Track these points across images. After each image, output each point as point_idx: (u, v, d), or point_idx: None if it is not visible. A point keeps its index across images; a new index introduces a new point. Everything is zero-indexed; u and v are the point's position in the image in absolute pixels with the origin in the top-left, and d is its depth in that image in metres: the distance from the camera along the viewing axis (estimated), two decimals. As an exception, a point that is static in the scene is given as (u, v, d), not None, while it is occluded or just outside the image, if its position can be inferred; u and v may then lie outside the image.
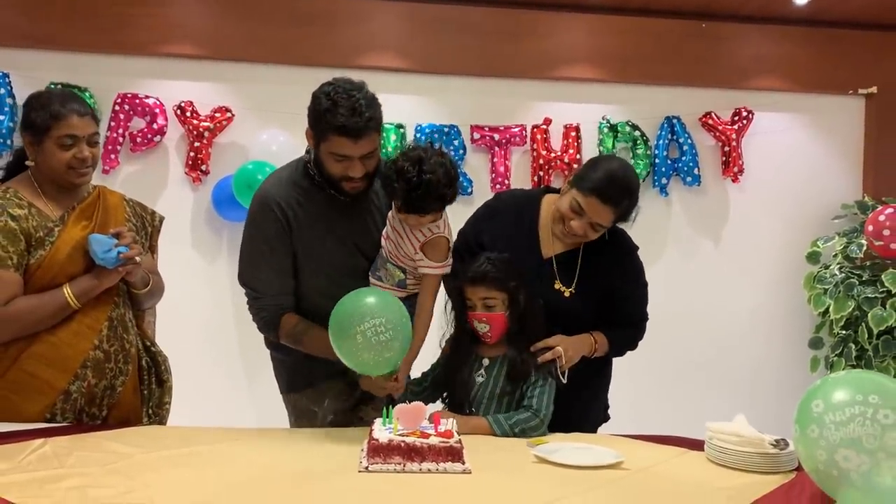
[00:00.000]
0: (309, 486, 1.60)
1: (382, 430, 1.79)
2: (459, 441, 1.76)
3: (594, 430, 2.36)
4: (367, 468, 1.71)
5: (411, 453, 1.72)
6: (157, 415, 2.28)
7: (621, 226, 2.27)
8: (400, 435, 1.76)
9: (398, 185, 2.04)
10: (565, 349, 2.16)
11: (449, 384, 2.23)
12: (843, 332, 4.03)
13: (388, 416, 1.85)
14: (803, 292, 4.27)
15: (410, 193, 2.04)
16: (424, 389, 2.25)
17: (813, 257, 4.30)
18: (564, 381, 2.16)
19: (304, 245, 2.24)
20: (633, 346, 2.38)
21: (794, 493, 1.63)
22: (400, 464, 1.71)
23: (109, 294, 2.17)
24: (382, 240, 2.25)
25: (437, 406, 2.25)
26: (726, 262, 4.46)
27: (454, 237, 2.27)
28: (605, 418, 2.46)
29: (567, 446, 1.92)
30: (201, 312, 4.04)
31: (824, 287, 4.12)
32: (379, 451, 1.72)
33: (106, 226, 2.18)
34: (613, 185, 2.13)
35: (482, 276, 2.14)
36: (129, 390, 2.20)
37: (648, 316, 2.38)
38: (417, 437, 1.75)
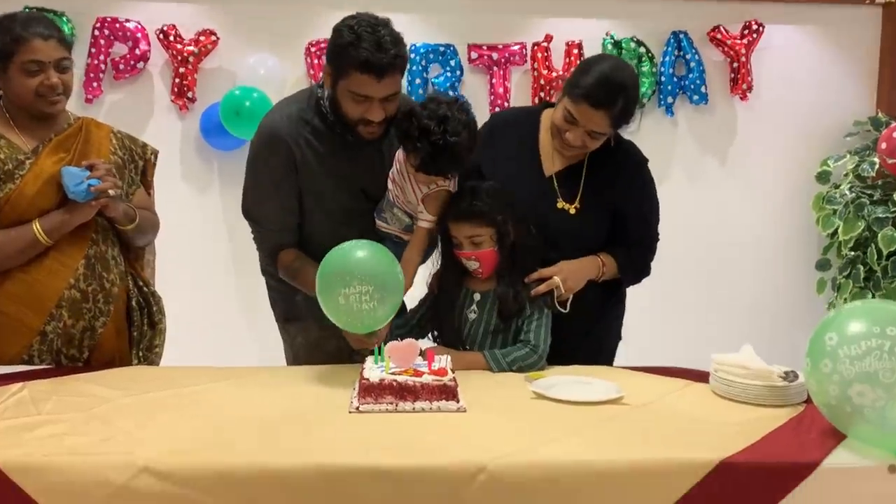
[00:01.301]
0: (296, 428, 1.54)
1: (374, 369, 1.72)
2: (454, 379, 1.69)
3: (610, 363, 2.28)
4: (357, 408, 1.64)
5: (403, 392, 1.65)
6: (147, 358, 2.21)
7: (625, 132, 2.13)
8: (392, 374, 1.69)
9: (420, 146, 1.92)
10: (565, 277, 2.07)
11: (439, 322, 2.15)
12: (852, 253, 3.93)
13: (380, 355, 1.78)
14: (811, 213, 4.15)
15: (433, 157, 1.92)
16: (412, 329, 2.16)
17: (823, 177, 4.16)
18: (566, 310, 2.07)
19: (310, 187, 2.14)
20: (646, 270, 2.26)
21: (804, 427, 1.57)
22: (392, 403, 1.65)
23: (86, 230, 2.07)
24: (389, 182, 2.14)
25: (430, 344, 2.17)
26: (733, 183, 4.32)
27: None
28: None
29: (566, 380, 1.85)
30: (194, 246, 3.94)
31: (833, 208, 4.00)
32: (370, 391, 1.65)
33: (85, 159, 2.07)
34: (604, 87, 1.96)
35: (466, 213, 2.02)
36: (112, 332, 2.12)
37: (659, 236, 2.27)
38: (410, 375, 1.68)
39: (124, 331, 2.18)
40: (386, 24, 1.96)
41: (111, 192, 2.01)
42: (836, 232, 3.98)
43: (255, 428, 1.53)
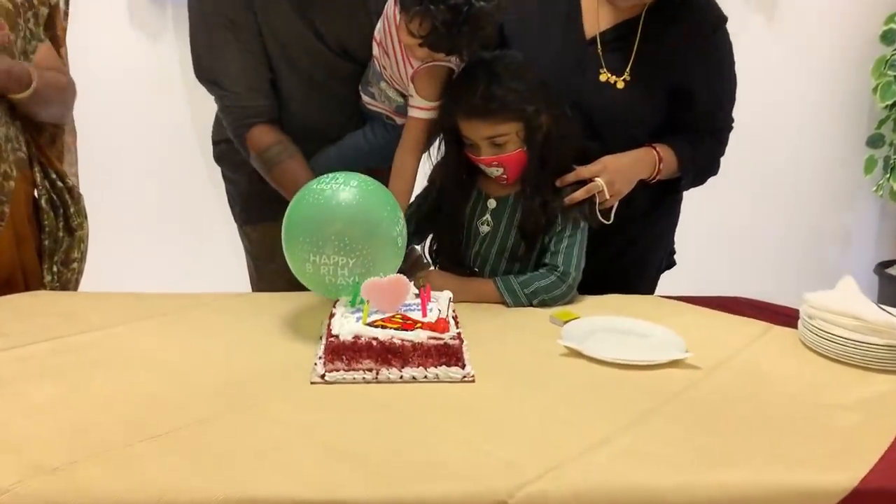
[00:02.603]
0: (227, 417, 1.05)
1: (346, 319, 1.23)
2: (458, 335, 1.21)
3: (655, 282, 1.82)
4: (322, 377, 1.17)
5: (388, 355, 1.17)
6: (62, 276, 1.72)
7: None
8: (371, 324, 1.20)
9: (432, 8, 1.34)
10: (611, 179, 1.55)
11: (439, 233, 1.64)
12: (913, 129, 3.40)
13: (356, 294, 1.28)
14: (870, 80, 3.57)
15: (449, 27, 1.36)
16: (418, 224, 1.66)
17: (888, 37, 3.53)
18: (610, 220, 1.58)
19: (272, 32, 1.60)
20: (713, 167, 1.77)
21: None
22: (371, 370, 1.18)
23: None
24: (374, 45, 1.59)
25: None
26: (779, 42, 3.68)
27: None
28: (670, 264, 1.91)
29: (606, 324, 1.39)
30: (145, 112, 3.33)
31: (896, 74, 3.42)
32: (340, 353, 1.17)
33: None
34: None
35: (483, 108, 1.47)
36: (9, 240, 1.62)
37: (733, 123, 1.74)
38: (397, 327, 1.20)
39: (29, 238, 1.68)
40: None
41: None
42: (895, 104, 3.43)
43: (166, 413, 1.05)
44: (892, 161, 3.49)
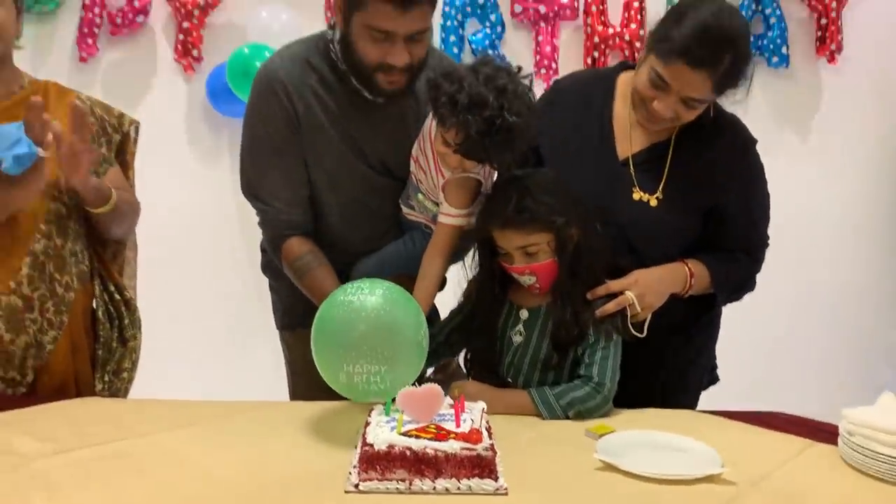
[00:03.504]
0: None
1: (381, 428, 1.26)
2: (491, 447, 1.22)
3: (696, 400, 1.82)
4: (356, 486, 1.19)
5: (421, 465, 1.19)
6: (113, 385, 1.78)
7: (730, 101, 1.63)
8: (405, 434, 1.23)
9: (470, 118, 1.45)
10: (641, 293, 1.59)
11: (475, 344, 1.68)
12: (956, 243, 3.38)
13: (392, 403, 1.32)
14: (905, 195, 3.59)
15: (483, 136, 1.46)
16: (438, 347, 1.69)
17: (924, 154, 3.58)
18: (643, 334, 1.60)
19: (315, 152, 1.72)
20: (749, 284, 1.79)
21: None
22: (405, 480, 1.19)
23: (32, 220, 1.65)
24: (412, 161, 1.70)
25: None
26: (815, 161, 3.74)
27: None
28: (713, 380, 1.91)
29: (642, 438, 1.38)
30: (200, 230, 3.50)
31: (935, 189, 3.43)
32: (374, 462, 1.19)
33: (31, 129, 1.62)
34: (706, 39, 1.48)
35: (516, 219, 1.54)
36: (65, 349, 1.70)
37: (768, 240, 1.77)
38: (431, 437, 1.22)
39: (84, 348, 1.76)
40: None
41: (41, 152, 1.53)
42: (937, 218, 3.42)
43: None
44: (938, 276, 3.45)
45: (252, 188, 1.78)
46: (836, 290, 3.80)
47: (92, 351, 1.78)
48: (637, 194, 1.65)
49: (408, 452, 1.19)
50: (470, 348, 1.71)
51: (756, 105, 3.69)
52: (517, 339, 1.63)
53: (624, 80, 1.71)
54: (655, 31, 1.57)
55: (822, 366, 3.63)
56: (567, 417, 1.51)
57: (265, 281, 2.02)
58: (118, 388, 1.79)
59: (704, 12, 1.50)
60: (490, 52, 3.45)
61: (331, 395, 1.45)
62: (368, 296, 1.37)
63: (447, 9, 3.47)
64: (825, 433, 1.44)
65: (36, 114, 1.52)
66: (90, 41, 3.41)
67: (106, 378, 1.77)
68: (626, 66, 1.77)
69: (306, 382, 1.81)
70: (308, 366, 1.78)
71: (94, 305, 1.79)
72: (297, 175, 1.74)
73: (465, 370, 1.73)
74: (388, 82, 1.62)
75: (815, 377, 3.58)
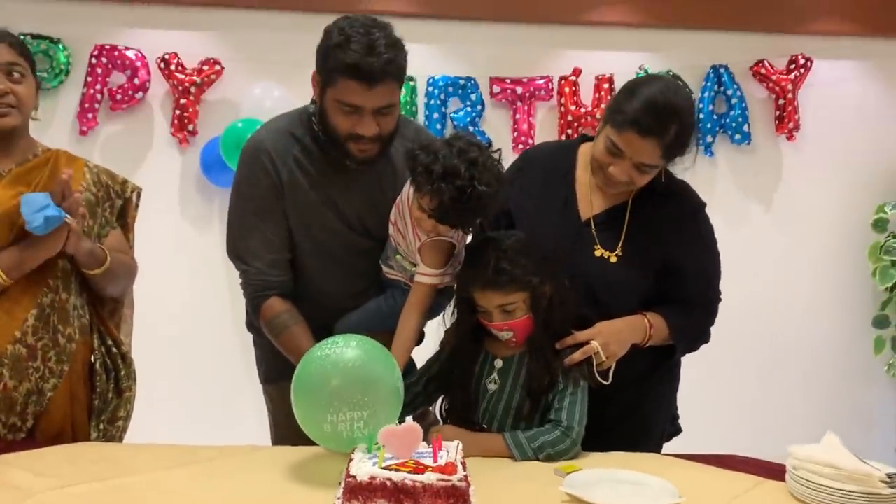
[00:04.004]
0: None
1: (363, 462, 1.36)
2: (465, 478, 1.33)
3: (659, 447, 1.93)
4: (340, 515, 1.29)
5: (400, 495, 1.29)
6: (108, 433, 1.87)
7: (679, 169, 1.82)
8: (386, 468, 1.33)
9: (443, 187, 1.60)
10: (605, 342, 1.72)
11: (450, 391, 1.80)
12: (915, 310, 3.55)
13: (373, 442, 1.42)
14: (867, 264, 3.77)
15: (455, 202, 1.61)
16: (416, 396, 1.81)
17: (879, 225, 3.78)
18: (607, 381, 1.72)
19: (298, 215, 1.85)
20: (703, 336, 1.92)
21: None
22: (385, 510, 1.29)
23: (43, 274, 1.77)
24: (390, 225, 1.84)
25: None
26: (779, 230, 3.96)
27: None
28: (675, 431, 2.02)
29: (607, 476, 1.49)
30: (191, 291, 3.63)
31: (892, 259, 3.63)
32: (357, 492, 1.29)
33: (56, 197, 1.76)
34: (654, 111, 1.66)
35: (495, 281, 1.68)
36: (64, 397, 1.79)
37: (721, 295, 1.92)
38: (410, 471, 1.32)
39: (82, 397, 1.85)
40: (384, 27, 1.70)
41: (69, 220, 1.69)
42: (895, 286, 3.60)
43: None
44: (899, 341, 3.60)
45: (235, 249, 1.90)
46: (806, 356, 3.95)
47: (89, 401, 1.86)
48: (598, 251, 1.80)
49: (388, 483, 1.29)
50: (447, 396, 1.81)
51: (722, 178, 3.94)
52: (492, 386, 1.75)
53: (584, 150, 1.89)
54: (611, 105, 1.76)
55: (792, 429, 3.73)
56: (538, 459, 1.62)
57: (250, 337, 2.13)
58: (112, 436, 1.87)
59: (653, 88, 1.69)
60: (471, 128, 3.67)
61: (313, 445, 1.56)
62: (344, 349, 1.50)
63: (430, 88, 3.71)
64: (777, 472, 1.55)
65: (65, 185, 1.70)
66: (90, 115, 3.60)
67: (101, 427, 1.85)
68: (585, 138, 1.94)
69: (289, 434, 1.90)
70: (290, 418, 1.89)
71: (93, 358, 1.89)
72: (278, 239, 1.85)
73: (441, 419, 1.83)
74: (359, 150, 1.76)
75: (784, 439, 3.67)
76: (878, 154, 3.94)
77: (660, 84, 1.72)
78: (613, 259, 1.79)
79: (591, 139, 1.88)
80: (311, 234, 1.87)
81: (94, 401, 1.87)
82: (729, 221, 3.90)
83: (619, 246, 1.80)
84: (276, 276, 1.86)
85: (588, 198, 1.85)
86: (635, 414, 1.85)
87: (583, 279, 1.77)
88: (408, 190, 1.75)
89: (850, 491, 1.34)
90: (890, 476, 1.35)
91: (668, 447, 1.99)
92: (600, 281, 1.78)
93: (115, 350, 1.92)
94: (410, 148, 1.71)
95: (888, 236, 3.73)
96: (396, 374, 1.54)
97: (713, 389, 3.69)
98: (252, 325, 2.05)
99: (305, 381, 1.51)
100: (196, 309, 3.62)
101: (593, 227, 1.82)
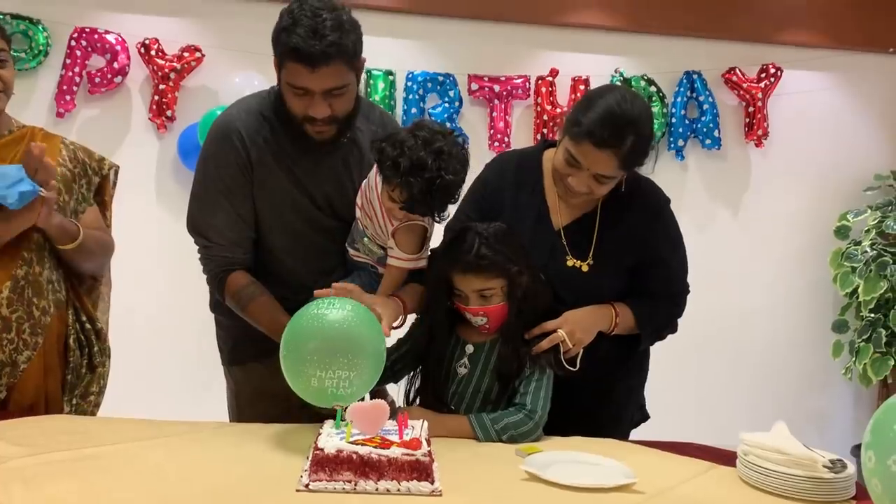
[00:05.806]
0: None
1: (331, 437, 1.41)
2: (429, 453, 1.38)
3: (627, 435, 1.98)
4: (307, 486, 1.33)
5: (365, 468, 1.34)
6: (80, 407, 1.90)
7: (641, 172, 1.85)
8: (353, 443, 1.38)
9: (412, 181, 1.62)
10: (572, 330, 1.77)
11: (421, 373, 1.84)
12: (872, 315, 3.66)
13: (340, 418, 1.47)
14: (829, 270, 3.89)
15: (425, 194, 1.64)
16: (385, 373, 1.80)
17: (841, 232, 3.90)
18: (575, 368, 1.78)
19: (266, 194, 1.87)
20: (671, 326, 1.97)
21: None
22: (350, 482, 1.33)
23: (17, 247, 1.78)
24: (357, 209, 1.86)
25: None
26: (745, 234, 4.06)
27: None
28: (643, 418, 2.07)
29: (566, 457, 1.55)
30: (165, 275, 3.64)
31: (853, 265, 3.73)
32: (324, 465, 1.34)
33: (28, 171, 1.77)
34: (610, 123, 1.68)
35: (475, 265, 1.72)
36: (38, 369, 1.81)
37: (689, 287, 1.98)
38: (375, 445, 1.37)
39: (56, 370, 1.87)
40: (334, 8, 1.69)
41: (43, 193, 1.71)
42: (855, 291, 3.71)
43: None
44: (856, 345, 3.71)
45: (198, 226, 1.90)
46: (768, 357, 4.05)
47: (63, 374, 1.89)
48: (570, 261, 1.84)
49: (354, 456, 1.34)
50: (420, 376, 1.86)
51: (692, 182, 4.03)
52: (462, 370, 1.79)
53: (548, 157, 1.91)
54: (569, 117, 1.77)
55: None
56: (501, 441, 1.67)
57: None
58: (84, 411, 1.90)
59: (609, 99, 1.71)
60: (448, 124, 3.71)
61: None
62: (339, 310, 1.54)
63: (409, 83, 3.75)
64: (729, 458, 1.62)
65: (37, 159, 1.71)
66: (68, 98, 3.59)
67: (74, 401, 1.88)
68: (547, 144, 1.97)
69: (252, 414, 1.93)
70: (254, 398, 1.95)
71: (67, 333, 1.91)
72: (243, 217, 1.87)
73: (406, 399, 1.87)
74: (315, 132, 1.78)
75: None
76: (842, 163, 4.06)
77: (616, 95, 1.73)
78: (585, 268, 1.83)
79: (553, 144, 1.90)
80: (278, 213, 1.89)
81: (66, 375, 1.89)
82: (697, 224, 4.00)
83: (591, 255, 1.84)
84: (240, 254, 1.88)
85: (557, 208, 1.88)
86: (607, 403, 1.90)
87: (556, 286, 1.81)
88: (375, 177, 1.77)
89: (795, 475, 1.41)
90: (832, 462, 1.42)
91: (635, 433, 2.05)
92: (572, 289, 1.83)
93: (89, 326, 1.94)
94: (375, 140, 1.73)
95: (849, 243, 3.84)
96: (383, 339, 1.58)
97: (677, 386, 3.77)
98: (217, 306, 2.05)
99: (298, 334, 1.53)
100: (170, 291, 3.63)
101: (563, 237, 1.86)
